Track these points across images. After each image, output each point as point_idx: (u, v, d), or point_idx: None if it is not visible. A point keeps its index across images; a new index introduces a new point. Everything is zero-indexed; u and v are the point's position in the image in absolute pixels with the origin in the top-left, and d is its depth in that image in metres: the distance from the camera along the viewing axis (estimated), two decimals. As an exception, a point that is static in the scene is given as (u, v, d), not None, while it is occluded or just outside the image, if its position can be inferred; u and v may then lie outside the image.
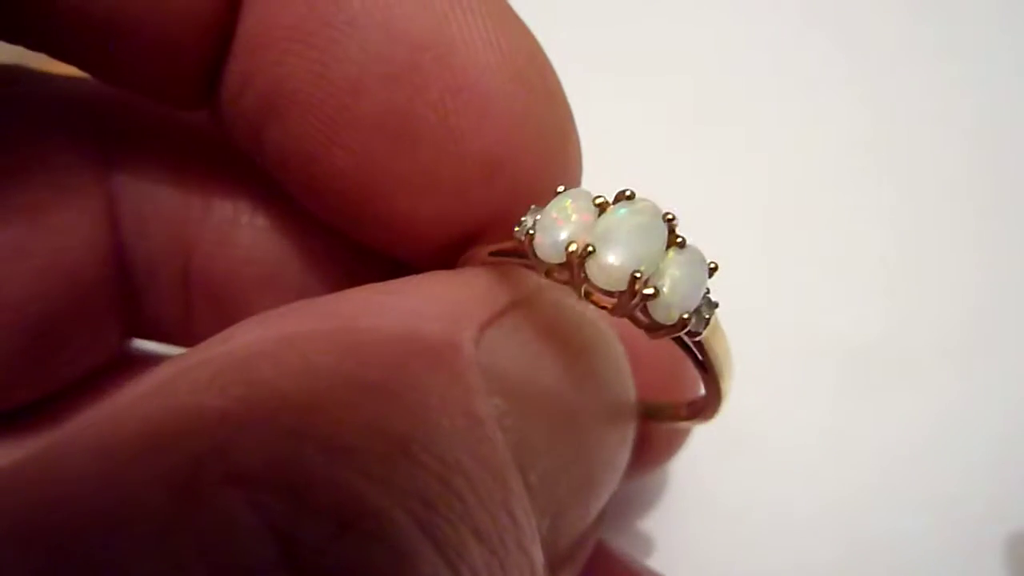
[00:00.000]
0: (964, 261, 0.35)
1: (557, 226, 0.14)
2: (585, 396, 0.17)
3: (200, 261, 0.21)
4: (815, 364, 0.33)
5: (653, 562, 0.27)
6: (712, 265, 0.14)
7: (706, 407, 0.18)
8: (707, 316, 0.14)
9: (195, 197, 0.21)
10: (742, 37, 0.40)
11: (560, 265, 0.14)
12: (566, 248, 0.14)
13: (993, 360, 0.33)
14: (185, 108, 0.19)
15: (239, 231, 0.21)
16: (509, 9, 0.17)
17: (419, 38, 0.16)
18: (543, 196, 0.16)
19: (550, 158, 0.17)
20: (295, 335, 0.14)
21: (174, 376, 0.13)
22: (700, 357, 0.15)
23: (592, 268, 0.14)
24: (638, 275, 0.13)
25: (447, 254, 0.18)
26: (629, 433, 0.18)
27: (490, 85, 0.16)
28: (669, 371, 0.21)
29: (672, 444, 0.25)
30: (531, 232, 0.14)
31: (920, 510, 0.30)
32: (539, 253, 0.14)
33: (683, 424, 0.23)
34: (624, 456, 0.18)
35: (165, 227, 0.21)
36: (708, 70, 0.40)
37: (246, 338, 0.14)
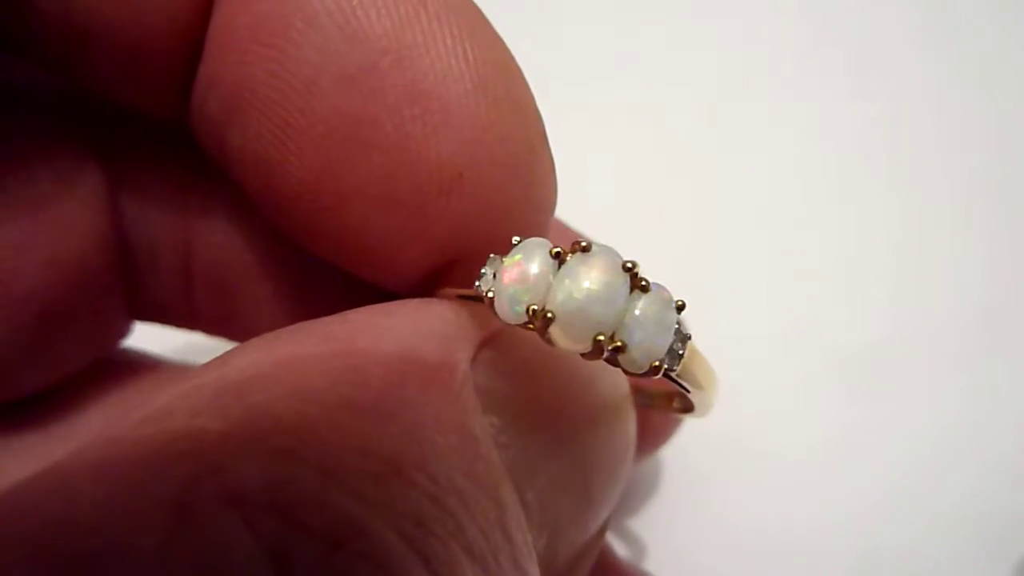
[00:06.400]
0: (969, 268, 0.35)
1: (514, 289, 0.14)
2: (583, 413, 0.17)
3: (200, 248, 0.21)
4: (820, 373, 0.33)
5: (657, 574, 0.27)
6: (679, 303, 0.14)
7: (695, 409, 0.18)
8: (681, 352, 0.14)
9: (194, 186, 0.21)
10: (751, 49, 0.40)
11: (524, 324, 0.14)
12: (527, 312, 0.14)
13: (1001, 368, 0.32)
14: (165, 117, 0.19)
15: (238, 219, 0.21)
16: (481, 18, 0.17)
17: (379, 41, 0.15)
18: (509, 217, 0.15)
19: (515, 175, 0.17)
20: (292, 358, 0.14)
21: (174, 399, 0.13)
22: (681, 384, 0.15)
23: (554, 334, 0.14)
24: (600, 339, 0.13)
25: (416, 279, 0.18)
26: (629, 449, 0.18)
27: (451, 93, 0.16)
28: None
29: (666, 431, 0.25)
30: (490, 295, 0.14)
31: (929, 522, 0.29)
32: (500, 316, 0.14)
33: (676, 415, 0.23)
34: (624, 471, 0.18)
35: (165, 216, 0.21)
36: (712, 82, 0.40)
37: (244, 361, 0.14)
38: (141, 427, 0.13)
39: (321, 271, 0.21)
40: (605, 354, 0.14)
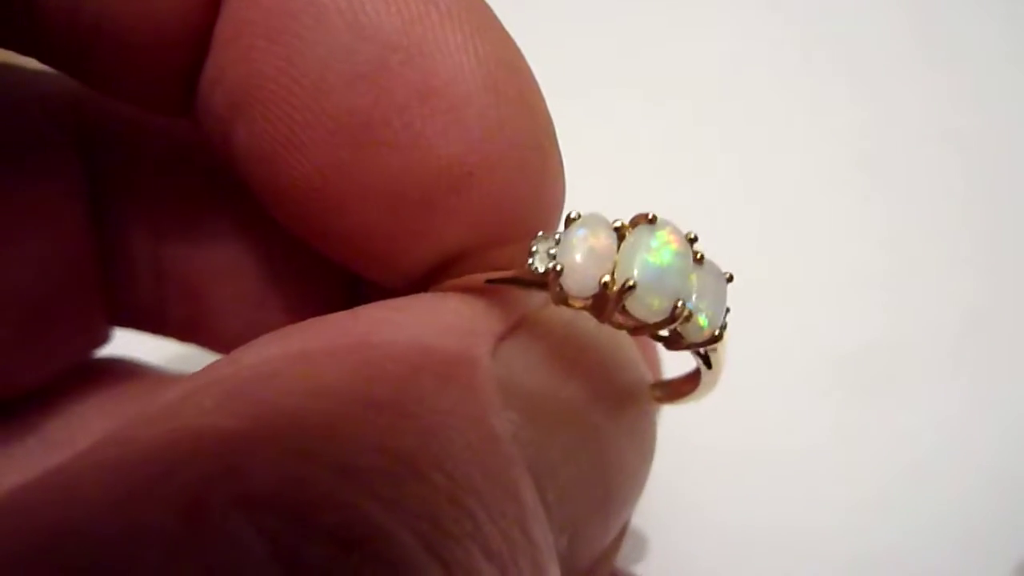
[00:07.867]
0: (963, 272, 0.35)
1: (586, 261, 0.14)
2: (605, 409, 0.16)
3: (170, 254, 0.21)
4: (814, 375, 0.33)
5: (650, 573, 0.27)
6: (729, 276, 0.15)
7: (693, 393, 0.18)
8: (725, 323, 0.15)
9: (173, 190, 0.21)
10: (743, 56, 0.41)
11: (586, 297, 0.14)
12: (601, 283, 0.14)
13: (995, 371, 0.32)
14: (171, 113, 0.19)
15: (207, 225, 0.21)
16: (491, 16, 0.16)
17: (389, 38, 0.15)
18: (518, 217, 0.15)
19: (525, 174, 0.16)
20: (304, 354, 0.13)
21: (184, 397, 0.13)
22: (707, 359, 0.15)
23: (632, 303, 0.14)
24: (679, 304, 0.14)
25: (417, 276, 0.18)
26: (650, 446, 0.18)
27: (461, 91, 0.15)
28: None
29: None
30: (558, 267, 0.14)
31: (923, 526, 0.29)
32: (568, 288, 0.14)
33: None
34: (646, 470, 0.18)
35: (142, 218, 0.21)
36: (709, 86, 0.40)
37: (256, 358, 0.14)
38: (149, 426, 0.12)
39: (296, 275, 0.21)
40: (676, 324, 0.14)
